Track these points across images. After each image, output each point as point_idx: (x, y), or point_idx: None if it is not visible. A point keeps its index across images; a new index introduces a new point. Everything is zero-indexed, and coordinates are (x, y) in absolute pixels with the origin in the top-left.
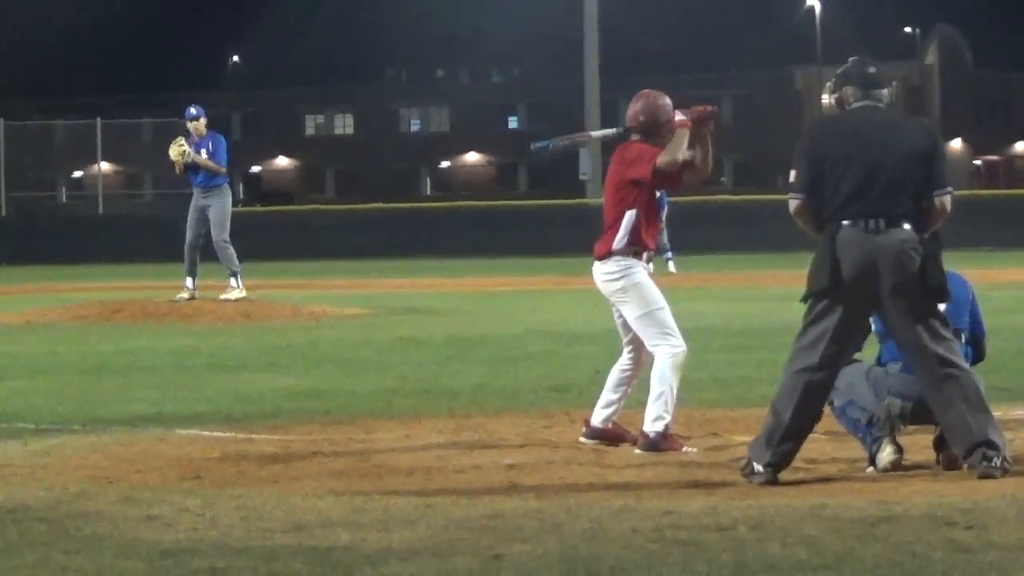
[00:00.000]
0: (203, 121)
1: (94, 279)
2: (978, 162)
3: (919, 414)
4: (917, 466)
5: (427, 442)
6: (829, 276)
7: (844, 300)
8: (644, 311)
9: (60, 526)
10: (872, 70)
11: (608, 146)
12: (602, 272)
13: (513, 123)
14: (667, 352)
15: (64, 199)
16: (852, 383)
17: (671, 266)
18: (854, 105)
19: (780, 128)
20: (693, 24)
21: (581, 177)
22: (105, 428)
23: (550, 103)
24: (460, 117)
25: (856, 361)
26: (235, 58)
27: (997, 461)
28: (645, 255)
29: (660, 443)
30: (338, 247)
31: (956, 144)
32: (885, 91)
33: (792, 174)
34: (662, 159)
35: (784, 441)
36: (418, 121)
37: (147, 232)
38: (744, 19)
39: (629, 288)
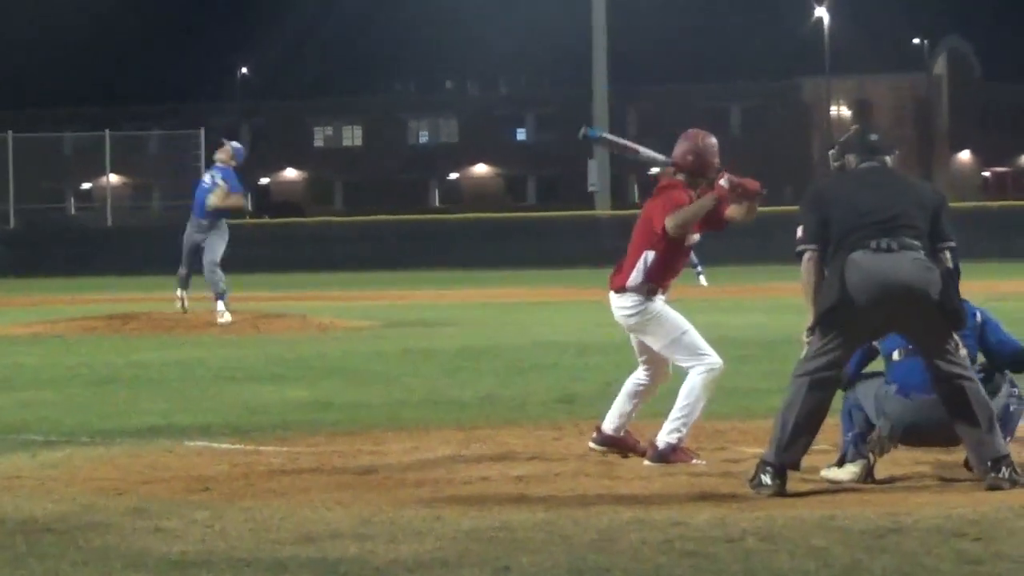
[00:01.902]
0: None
1: (103, 291)
2: (987, 173)
3: (908, 437)
4: (924, 477)
5: (435, 454)
6: (838, 294)
7: (854, 315)
8: (669, 339)
9: (69, 538)
10: (874, 138)
11: (625, 166)
12: (618, 306)
13: (521, 134)
14: (703, 370)
15: (73, 211)
16: (867, 395)
17: (702, 280)
18: (859, 167)
19: (788, 139)
20: (701, 35)
21: (590, 189)
22: (114, 440)
23: (558, 114)
24: (468, 128)
25: (879, 375)
26: (244, 70)
27: (1006, 472)
28: (660, 292)
29: (669, 455)
30: (346, 259)
31: (964, 156)
32: (888, 157)
33: (799, 230)
34: (671, 222)
35: (793, 442)
36: (426, 132)
37: (156, 244)
38: (752, 30)
39: (647, 322)
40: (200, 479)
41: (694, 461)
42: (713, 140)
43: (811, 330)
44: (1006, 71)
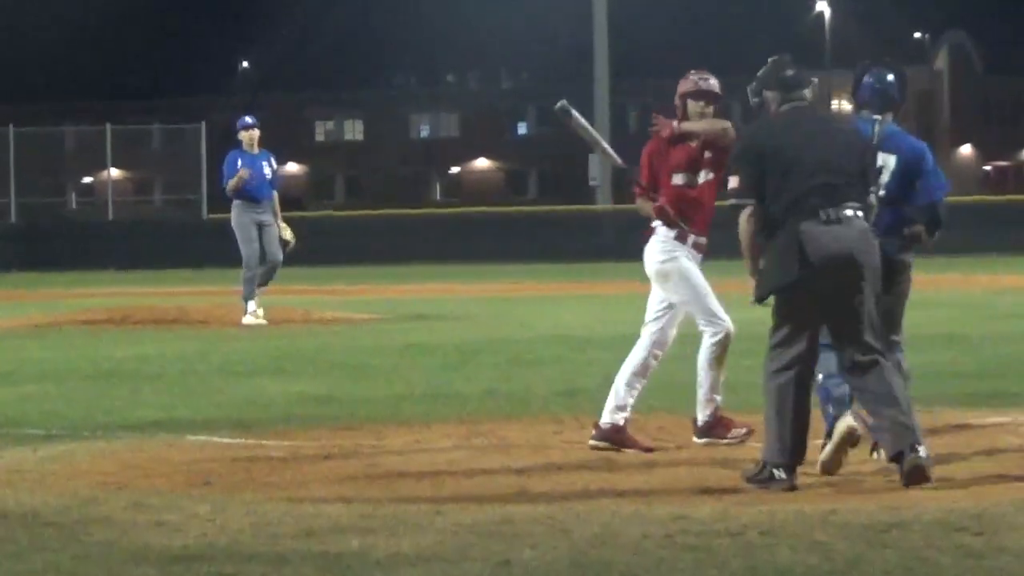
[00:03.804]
0: (258, 133)
1: (104, 285)
2: (988, 168)
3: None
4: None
5: (437, 447)
6: (798, 269)
7: (813, 291)
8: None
9: (70, 532)
10: (790, 72)
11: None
12: (649, 246)
13: (523, 129)
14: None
15: (74, 205)
16: (827, 355)
17: None
18: (781, 108)
19: None
20: (702, 29)
21: (591, 183)
22: (115, 434)
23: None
24: (469, 122)
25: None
26: (244, 63)
27: (922, 451)
28: (691, 239)
29: (712, 430)
30: (347, 253)
31: (966, 150)
32: (807, 91)
33: (733, 180)
34: (640, 207)
35: (795, 441)
36: (427, 126)
37: (157, 238)
38: (753, 24)
39: (673, 271)
40: (201, 473)
41: (733, 431)
42: (700, 81)
43: (760, 297)
44: (1007, 65)
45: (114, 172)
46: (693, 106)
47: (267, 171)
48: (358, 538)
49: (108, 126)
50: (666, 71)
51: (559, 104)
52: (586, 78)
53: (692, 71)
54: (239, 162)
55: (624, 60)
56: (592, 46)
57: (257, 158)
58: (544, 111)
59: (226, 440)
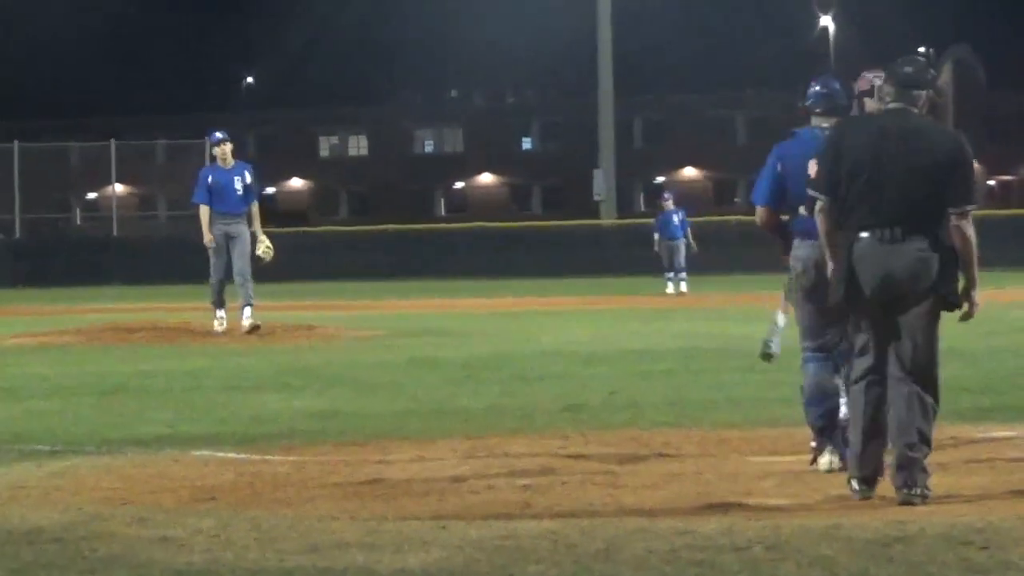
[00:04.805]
0: (230, 146)
1: (108, 300)
2: (992, 182)
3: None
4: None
5: (442, 463)
6: (844, 289)
7: (870, 309)
8: None
9: (74, 548)
10: (908, 69)
11: (631, 175)
12: None
13: (527, 144)
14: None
15: (79, 221)
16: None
17: (683, 287)
18: (888, 106)
19: None
20: (707, 44)
21: (595, 198)
22: (119, 450)
23: (564, 123)
24: (474, 138)
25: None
26: (249, 79)
27: (917, 489)
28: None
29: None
30: (352, 268)
31: None
32: (923, 92)
33: (814, 170)
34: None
35: (865, 452)
36: (432, 142)
37: (161, 253)
38: (758, 39)
39: None
40: (206, 489)
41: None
42: (875, 79)
43: (831, 309)
44: (1012, 80)
45: (118, 188)
46: (869, 104)
47: (238, 185)
48: (363, 554)
49: (113, 142)
50: (670, 86)
51: (761, 354)
52: (590, 93)
53: (867, 70)
54: (209, 178)
55: (629, 74)
56: (596, 60)
57: (230, 172)
58: (548, 126)
59: (231, 455)
